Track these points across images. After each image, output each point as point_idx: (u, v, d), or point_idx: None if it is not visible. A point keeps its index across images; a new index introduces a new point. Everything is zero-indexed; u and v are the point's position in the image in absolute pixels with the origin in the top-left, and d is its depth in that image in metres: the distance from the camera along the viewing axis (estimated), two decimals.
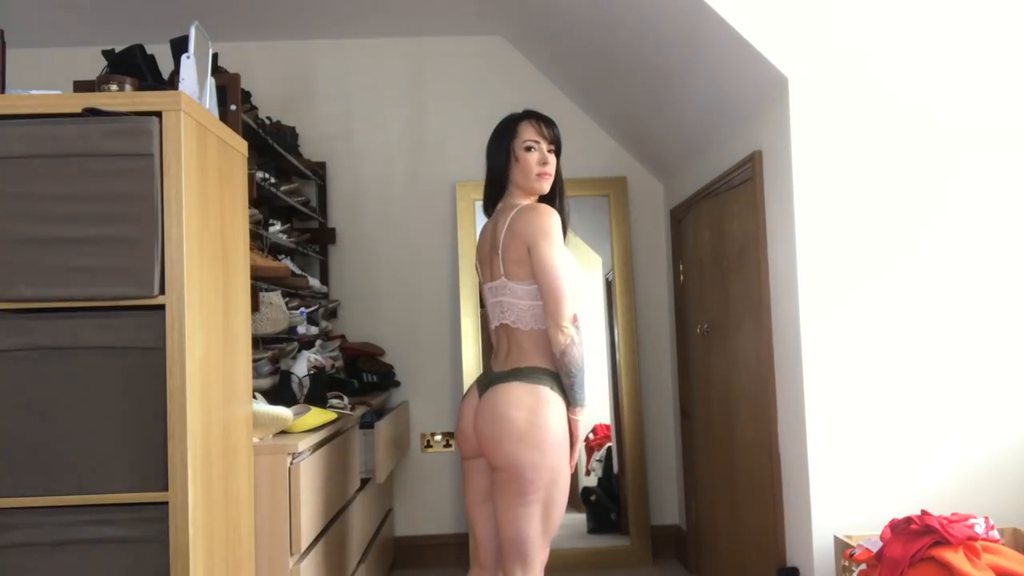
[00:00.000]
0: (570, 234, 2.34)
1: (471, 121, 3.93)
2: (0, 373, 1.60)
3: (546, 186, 2.28)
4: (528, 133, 2.27)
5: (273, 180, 3.06)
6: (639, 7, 2.72)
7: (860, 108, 2.42)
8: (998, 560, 2.02)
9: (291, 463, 2.14)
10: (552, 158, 2.28)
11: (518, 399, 2.14)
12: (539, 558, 2.17)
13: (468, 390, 2.35)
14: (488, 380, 2.26)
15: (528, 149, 2.26)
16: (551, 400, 2.16)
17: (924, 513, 2.12)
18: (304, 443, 2.20)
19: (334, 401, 2.80)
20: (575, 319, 2.17)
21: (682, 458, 3.76)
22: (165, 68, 2.22)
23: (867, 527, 2.34)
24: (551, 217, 2.18)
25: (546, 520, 2.15)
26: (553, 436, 2.13)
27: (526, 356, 2.21)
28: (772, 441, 2.61)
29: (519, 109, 2.35)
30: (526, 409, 2.13)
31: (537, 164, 2.25)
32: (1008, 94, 2.45)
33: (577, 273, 2.28)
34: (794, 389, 2.46)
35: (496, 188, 2.34)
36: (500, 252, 2.22)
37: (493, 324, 2.32)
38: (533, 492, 2.12)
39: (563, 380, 2.18)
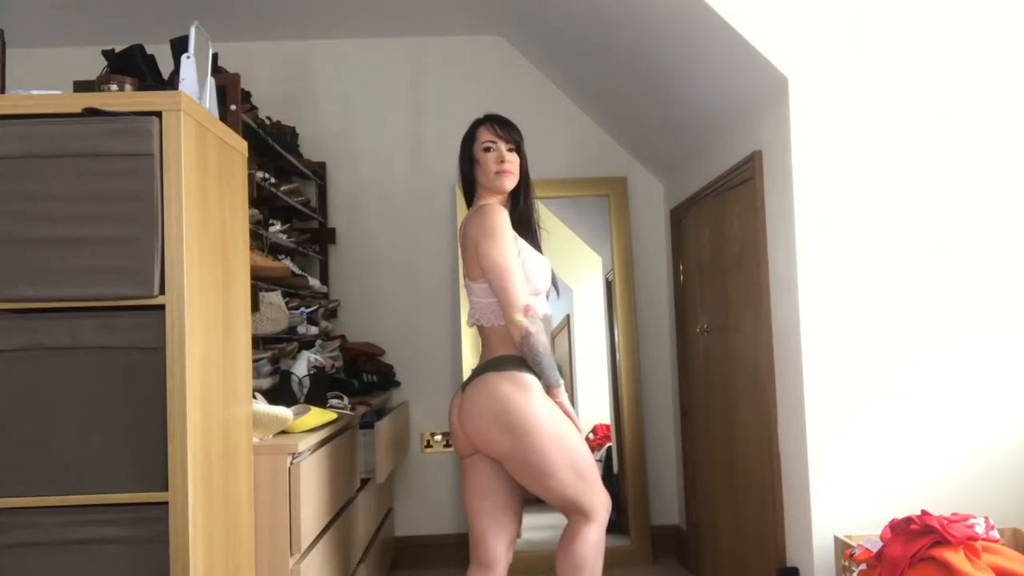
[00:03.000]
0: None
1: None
2: (0, 373, 1.60)
3: (508, 183, 2.35)
4: (485, 135, 2.37)
5: (273, 180, 3.05)
6: (639, 7, 2.72)
7: (860, 108, 2.42)
8: (998, 560, 2.02)
9: (291, 463, 2.14)
10: (513, 157, 2.36)
11: (493, 390, 2.21)
12: (596, 502, 2.27)
13: (456, 392, 2.41)
14: (468, 379, 2.34)
15: (486, 150, 2.36)
16: (525, 382, 2.22)
17: (924, 513, 2.12)
18: (304, 443, 2.20)
19: (334, 401, 2.79)
20: (528, 310, 2.22)
21: (682, 458, 3.76)
22: (165, 68, 2.22)
23: (867, 527, 2.34)
24: (493, 216, 2.27)
25: (579, 474, 2.23)
26: (539, 414, 2.19)
27: (493, 349, 2.30)
28: (772, 441, 2.61)
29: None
30: (503, 398, 2.20)
31: (495, 163, 2.34)
32: (1009, 94, 2.45)
33: (542, 269, 2.35)
34: (794, 389, 2.46)
35: (468, 193, 2.45)
36: (461, 255, 2.35)
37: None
38: (549, 466, 2.19)
39: (532, 368, 2.24)
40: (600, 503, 2.29)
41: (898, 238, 2.42)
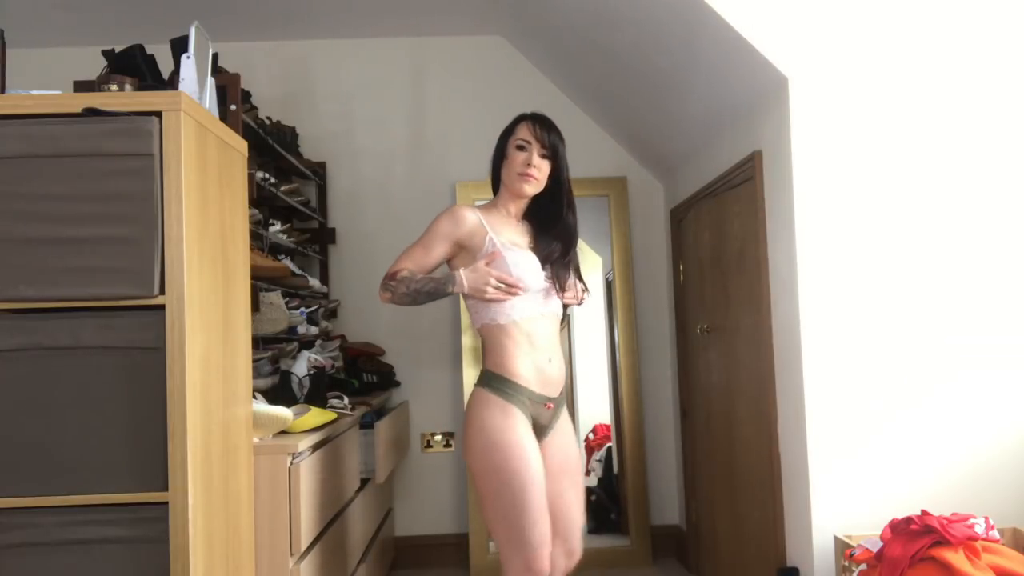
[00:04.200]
0: None
1: (471, 121, 3.93)
2: (0, 373, 1.60)
3: (528, 188, 2.24)
4: (522, 132, 2.25)
5: (273, 180, 3.05)
6: (639, 7, 2.72)
7: (860, 108, 2.42)
8: (998, 560, 2.02)
9: (291, 463, 2.14)
10: (543, 164, 2.24)
11: (467, 405, 2.23)
12: (512, 563, 2.09)
13: None
14: None
15: (519, 148, 2.23)
16: (480, 401, 2.17)
17: (924, 513, 2.12)
18: (304, 443, 2.20)
19: (334, 401, 2.79)
20: (388, 276, 2.20)
21: (682, 458, 3.77)
22: (165, 68, 2.22)
23: (867, 527, 2.34)
24: (441, 218, 2.24)
25: (504, 518, 2.09)
26: (481, 436, 2.13)
27: (483, 358, 2.28)
28: (772, 441, 2.61)
29: (519, 109, 2.35)
30: (468, 412, 2.21)
31: (522, 164, 2.22)
32: (1008, 94, 2.45)
33: (526, 267, 2.19)
34: (794, 389, 2.46)
35: (494, 188, 2.36)
36: None
37: None
38: (484, 491, 2.13)
39: (433, 296, 2.18)
40: (517, 568, 2.08)
41: (898, 237, 2.42)
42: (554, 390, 2.25)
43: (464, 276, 2.17)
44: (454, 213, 2.23)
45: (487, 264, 2.16)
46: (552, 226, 2.30)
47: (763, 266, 2.64)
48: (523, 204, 2.32)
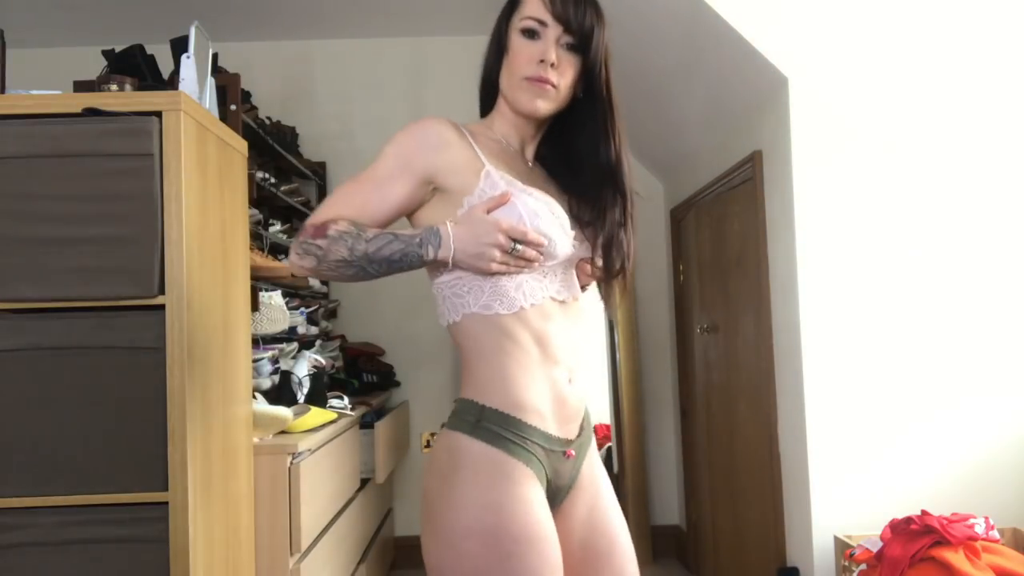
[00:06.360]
0: None
1: (471, 121, 3.92)
2: (0, 373, 1.60)
3: (539, 104, 1.33)
4: (532, 7, 1.35)
5: (273, 180, 3.06)
6: (639, 7, 2.72)
7: (859, 108, 2.42)
8: (998, 560, 2.02)
9: (291, 463, 2.14)
10: (566, 60, 1.33)
11: (433, 459, 1.32)
12: None
13: None
14: None
15: (527, 34, 1.34)
16: (455, 457, 1.26)
17: (924, 513, 2.12)
18: (304, 443, 2.20)
19: (334, 401, 2.80)
20: (310, 230, 1.25)
21: (682, 458, 3.77)
22: (165, 68, 2.22)
23: (867, 527, 2.34)
24: (400, 132, 1.33)
25: None
26: (462, 517, 1.22)
27: (462, 375, 1.36)
28: (772, 441, 2.61)
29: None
30: (437, 475, 1.28)
31: (529, 61, 1.32)
32: (1007, 94, 2.45)
33: (539, 217, 1.30)
34: (794, 389, 2.45)
35: (484, 104, 1.49)
36: None
37: None
38: None
39: (397, 265, 1.27)
40: None
41: (897, 237, 2.41)
42: (575, 428, 1.40)
43: (452, 231, 1.25)
44: (423, 126, 1.33)
45: (489, 212, 1.26)
46: (588, 169, 1.43)
47: (763, 266, 2.64)
48: (530, 132, 1.43)
